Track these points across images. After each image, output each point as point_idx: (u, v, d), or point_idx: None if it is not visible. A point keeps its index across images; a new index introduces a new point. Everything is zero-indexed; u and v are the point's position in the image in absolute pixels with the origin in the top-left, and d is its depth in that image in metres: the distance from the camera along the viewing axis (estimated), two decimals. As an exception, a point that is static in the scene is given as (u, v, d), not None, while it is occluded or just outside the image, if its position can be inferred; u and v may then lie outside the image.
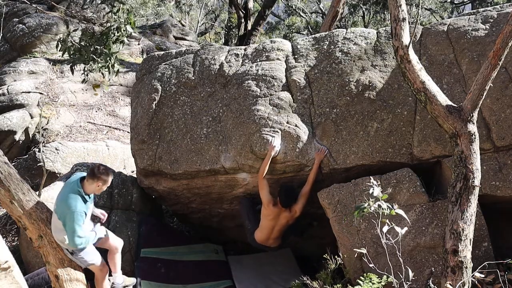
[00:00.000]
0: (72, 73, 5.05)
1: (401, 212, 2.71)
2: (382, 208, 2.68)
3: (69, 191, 3.56)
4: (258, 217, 4.35)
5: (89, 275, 4.02)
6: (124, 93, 9.82)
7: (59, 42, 4.93)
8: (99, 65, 4.79)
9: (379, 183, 2.94)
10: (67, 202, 3.52)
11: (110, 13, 4.73)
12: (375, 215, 2.76)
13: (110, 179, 3.66)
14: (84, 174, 3.71)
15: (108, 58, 4.74)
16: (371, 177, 3.66)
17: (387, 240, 2.87)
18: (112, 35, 4.68)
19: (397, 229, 2.69)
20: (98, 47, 4.68)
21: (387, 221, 2.74)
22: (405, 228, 2.80)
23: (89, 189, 3.60)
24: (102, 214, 4.05)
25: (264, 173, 4.00)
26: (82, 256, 3.72)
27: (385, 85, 4.08)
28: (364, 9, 15.26)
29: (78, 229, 3.54)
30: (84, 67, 4.95)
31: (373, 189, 2.73)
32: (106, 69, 4.88)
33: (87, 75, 4.98)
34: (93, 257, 3.80)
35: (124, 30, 4.71)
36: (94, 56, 4.70)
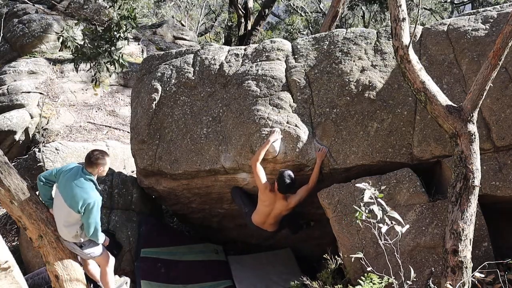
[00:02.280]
0: (77, 71, 5.02)
1: (395, 214, 2.69)
2: (375, 212, 2.67)
3: (80, 181, 3.48)
4: (253, 200, 4.34)
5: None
6: (124, 93, 9.82)
7: (61, 37, 4.91)
8: (105, 60, 4.75)
9: (370, 183, 2.91)
10: (85, 192, 3.45)
11: (111, 8, 4.68)
12: (374, 216, 2.76)
13: (108, 159, 3.63)
14: (76, 164, 3.67)
15: (113, 54, 4.70)
16: (362, 182, 3.65)
17: (385, 241, 2.87)
18: (114, 31, 4.65)
19: (397, 228, 2.68)
20: (102, 43, 4.65)
21: (387, 220, 2.73)
22: (406, 226, 2.79)
23: (93, 174, 3.59)
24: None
25: (259, 160, 3.96)
26: (91, 248, 3.72)
27: (385, 85, 4.08)
28: (364, 9, 15.26)
29: (99, 220, 3.53)
30: (90, 66, 4.93)
31: (364, 194, 2.71)
32: (112, 65, 4.83)
33: (95, 74, 4.96)
34: (100, 248, 3.79)
35: (125, 26, 4.66)
36: (99, 51, 4.66)
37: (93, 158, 3.55)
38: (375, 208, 2.68)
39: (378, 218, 2.67)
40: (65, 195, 3.50)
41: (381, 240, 2.82)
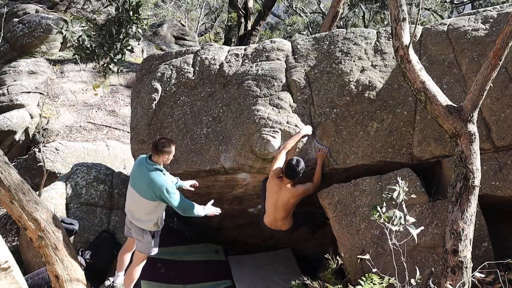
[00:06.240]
0: (81, 62, 4.86)
1: (412, 229, 2.67)
2: (396, 217, 2.67)
3: (146, 172, 3.56)
4: None
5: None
6: (124, 93, 9.82)
7: (60, 32, 4.87)
8: (111, 53, 4.69)
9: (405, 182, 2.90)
10: (153, 182, 3.54)
11: (118, 10, 4.62)
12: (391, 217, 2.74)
13: (173, 148, 3.67)
14: (141, 156, 3.76)
15: (114, 51, 4.65)
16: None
17: (387, 242, 2.87)
18: (113, 27, 4.59)
19: (411, 230, 2.67)
20: (102, 39, 4.59)
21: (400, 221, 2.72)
22: (421, 228, 2.77)
23: (159, 162, 3.65)
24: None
25: (286, 149, 3.94)
26: (157, 241, 3.85)
27: (385, 85, 4.08)
28: (364, 9, 15.26)
29: (182, 198, 3.61)
30: (98, 62, 4.87)
31: (398, 188, 2.71)
32: (112, 63, 4.78)
33: (104, 70, 4.89)
34: (156, 249, 3.94)
35: (127, 21, 4.61)
36: (96, 51, 4.62)
37: (160, 146, 3.59)
38: (396, 212, 2.67)
39: (397, 220, 2.66)
40: (137, 189, 3.63)
41: (390, 240, 2.81)
